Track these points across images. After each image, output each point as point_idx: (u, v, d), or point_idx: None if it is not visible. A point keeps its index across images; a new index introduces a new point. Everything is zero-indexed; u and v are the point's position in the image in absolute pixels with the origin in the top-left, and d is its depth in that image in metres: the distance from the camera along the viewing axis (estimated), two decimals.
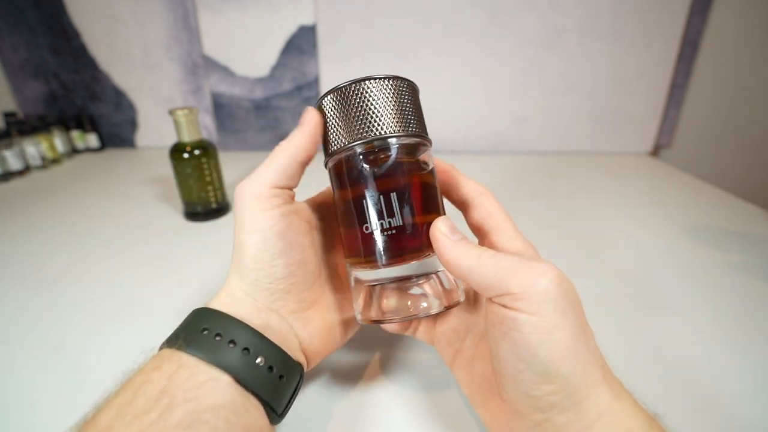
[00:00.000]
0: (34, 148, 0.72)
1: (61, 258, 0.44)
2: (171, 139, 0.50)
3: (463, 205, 0.24)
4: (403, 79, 0.21)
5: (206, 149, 0.49)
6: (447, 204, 0.24)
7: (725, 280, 0.39)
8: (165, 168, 0.69)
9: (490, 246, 0.22)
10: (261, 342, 0.20)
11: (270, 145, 0.85)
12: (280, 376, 0.20)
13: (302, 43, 0.76)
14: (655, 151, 0.81)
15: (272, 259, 0.21)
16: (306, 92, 0.79)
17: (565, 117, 0.78)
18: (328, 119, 0.22)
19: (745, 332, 0.32)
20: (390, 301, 0.21)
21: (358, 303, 0.22)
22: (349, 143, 0.20)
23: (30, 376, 0.28)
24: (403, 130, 0.20)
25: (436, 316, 0.25)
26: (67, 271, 0.41)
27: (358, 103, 0.20)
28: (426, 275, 0.21)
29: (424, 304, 0.21)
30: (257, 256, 0.21)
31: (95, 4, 0.77)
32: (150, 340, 0.20)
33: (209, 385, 0.17)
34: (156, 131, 0.86)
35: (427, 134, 0.22)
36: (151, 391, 0.17)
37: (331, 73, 0.77)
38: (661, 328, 0.32)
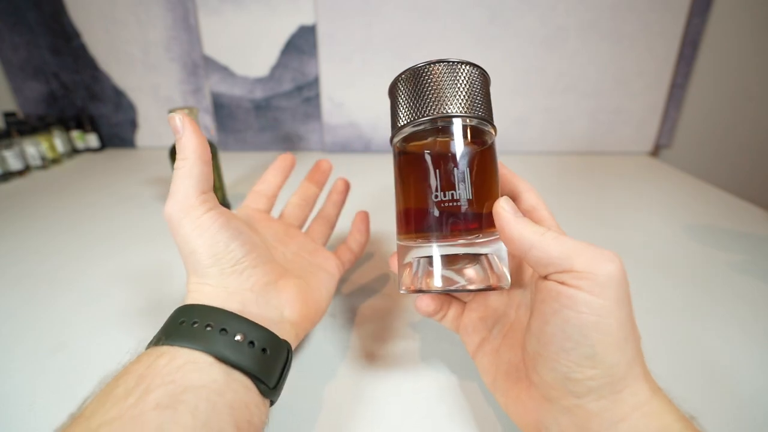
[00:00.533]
0: (34, 148, 0.72)
1: (61, 258, 0.44)
2: (171, 139, 0.50)
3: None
4: (476, 66, 0.22)
5: None
6: None
7: (725, 280, 0.39)
8: (165, 168, 0.69)
9: None
10: (237, 320, 0.20)
11: (270, 145, 0.85)
12: (263, 350, 0.20)
13: (302, 43, 0.76)
14: (655, 151, 0.81)
15: (227, 246, 0.22)
16: (306, 92, 0.79)
17: (565, 117, 0.78)
18: (400, 97, 0.23)
19: (745, 332, 0.32)
20: (436, 273, 0.22)
21: (405, 274, 0.23)
22: (417, 119, 0.21)
23: (30, 376, 0.28)
24: (470, 112, 0.21)
25: (466, 305, 0.26)
26: (67, 271, 0.41)
27: (430, 82, 0.21)
28: (475, 257, 0.22)
29: (467, 281, 0.22)
30: (211, 251, 0.22)
31: (95, 5, 0.77)
32: (150, 340, 0.20)
33: (187, 368, 0.18)
34: (156, 131, 0.86)
35: (493, 122, 0.23)
36: (130, 379, 0.17)
37: (331, 73, 0.77)
38: (659, 328, 0.32)
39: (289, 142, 0.84)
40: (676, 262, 0.42)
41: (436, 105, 0.21)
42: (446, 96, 0.21)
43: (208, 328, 0.19)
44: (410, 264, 0.22)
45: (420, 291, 0.22)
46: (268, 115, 0.82)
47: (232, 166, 0.71)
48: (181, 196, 0.22)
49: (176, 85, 0.81)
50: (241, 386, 0.19)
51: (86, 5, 0.77)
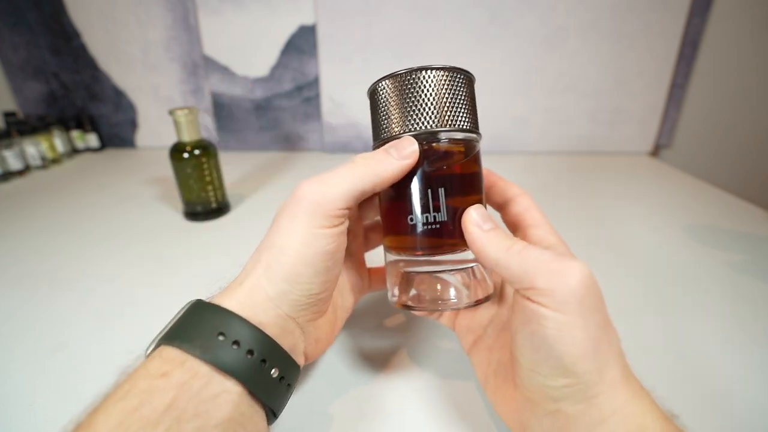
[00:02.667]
0: (34, 148, 0.72)
1: (61, 258, 0.44)
2: (171, 139, 0.50)
3: (500, 206, 0.25)
4: (460, 71, 0.21)
5: (206, 149, 0.49)
6: None
7: (725, 280, 0.39)
8: (165, 168, 0.69)
9: (525, 238, 0.22)
10: (277, 351, 0.19)
11: (270, 145, 0.85)
12: (289, 385, 0.20)
13: (302, 43, 0.76)
14: (655, 151, 0.81)
15: (313, 275, 0.20)
16: (306, 92, 0.79)
17: (565, 117, 0.78)
18: (382, 104, 0.22)
19: (745, 332, 0.32)
20: (423, 290, 0.22)
21: (394, 286, 0.22)
22: (401, 133, 0.21)
23: (30, 376, 0.28)
24: (453, 125, 0.20)
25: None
26: (67, 271, 0.41)
27: (414, 92, 0.20)
28: (460, 270, 0.22)
29: (454, 298, 0.21)
30: (297, 270, 0.20)
31: (95, 5, 0.77)
32: (149, 340, 0.20)
33: (222, 398, 0.17)
34: (156, 131, 0.86)
35: (477, 128, 0.22)
36: (159, 401, 0.16)
37: (331, 73, 0.77)
38: (660, 328, 0.32)
39: (289, 142, 0.84)
40: (676, 261, 0.42)
41: (421, 118, 0.20)
42: (430, 108, 0.20)
43: (249, 356, 0.18)
44: (399, 276, 0.22)
45: (410, 308, 0.22)
46: (268, 115, 0.82)
47: (232, 166, 0.71)
48: (331, 192, 0.20)
49: (176, 85, 0.81)
50: (260, 417, 0.19)
51: (86, 5, 0.77)
